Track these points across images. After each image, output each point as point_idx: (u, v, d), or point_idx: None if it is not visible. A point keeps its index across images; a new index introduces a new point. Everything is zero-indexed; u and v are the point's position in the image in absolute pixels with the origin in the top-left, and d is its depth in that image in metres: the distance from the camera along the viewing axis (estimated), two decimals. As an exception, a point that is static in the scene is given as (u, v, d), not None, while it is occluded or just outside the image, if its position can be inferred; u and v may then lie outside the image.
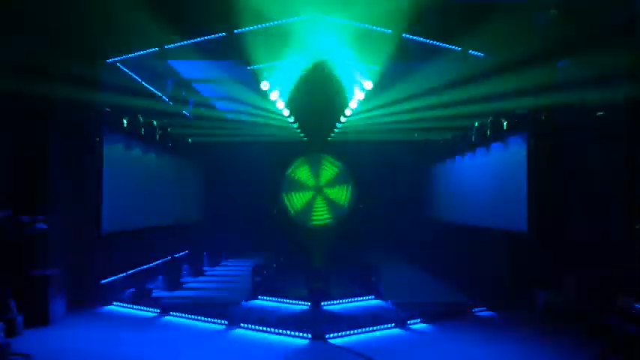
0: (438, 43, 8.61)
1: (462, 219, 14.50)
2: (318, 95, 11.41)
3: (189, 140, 16.03)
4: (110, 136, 10.50)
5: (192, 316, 8.71)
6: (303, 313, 9.14)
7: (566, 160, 9.48)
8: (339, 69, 10.05)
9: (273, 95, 10.28)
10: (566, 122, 9.46)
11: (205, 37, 8.61)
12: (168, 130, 13.79)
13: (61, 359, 6.72)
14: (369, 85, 9.76)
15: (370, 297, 10.14)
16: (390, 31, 8.21)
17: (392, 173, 18.57)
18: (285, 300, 9.90)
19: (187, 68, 10.83)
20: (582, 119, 9.01)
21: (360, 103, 11.10)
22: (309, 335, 7.59)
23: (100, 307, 9.51)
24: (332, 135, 16.06)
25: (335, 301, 9.70)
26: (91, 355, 6.87)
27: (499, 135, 11.60)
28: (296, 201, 19.82)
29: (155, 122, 12.64)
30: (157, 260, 12.36)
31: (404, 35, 8.36)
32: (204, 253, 14.77)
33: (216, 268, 14.79)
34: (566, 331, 7.88)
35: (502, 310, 9.31)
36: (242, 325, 8.17)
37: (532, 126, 10.11)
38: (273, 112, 12.59)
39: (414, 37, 8.51)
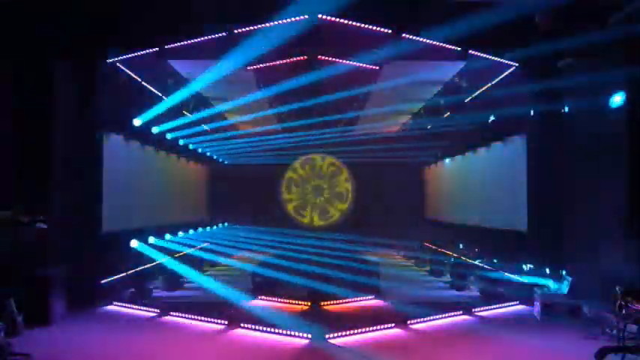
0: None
1: (462, 219, 14.49)
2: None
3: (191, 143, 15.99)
4: (110, 135, 10.48)
5: (192, 316, 8.70)
6: (303, 313, 9.13)
7: (565, 159, 9.47)
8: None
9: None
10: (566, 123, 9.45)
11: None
12: (170, 130, 13.73)
13: (61, 359, 6.72)
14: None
15: (370, 296, 10.13)
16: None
17: (393, 173, 18.54)
18: (285, 300, 9.89)
19: (187, 68, 10.83)
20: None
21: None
22: (309, 335, 7.59)
23: (99, 307, 9.50)
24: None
25: (335, 301, 9.69)
26: (90, 355, 6.86)
27: (499, 135, 11.59)
28: (297, 200, 19.80)
29: (156, 122, 12.60)
30: (157, 260, 12.33)
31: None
32: (204, 253, 14.73)
33: (217, 267, 14.75)
34: (565, 330, 7.88)
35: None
36: (242, 325, 8.17)
37: (532, 127, 10.10)
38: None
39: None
